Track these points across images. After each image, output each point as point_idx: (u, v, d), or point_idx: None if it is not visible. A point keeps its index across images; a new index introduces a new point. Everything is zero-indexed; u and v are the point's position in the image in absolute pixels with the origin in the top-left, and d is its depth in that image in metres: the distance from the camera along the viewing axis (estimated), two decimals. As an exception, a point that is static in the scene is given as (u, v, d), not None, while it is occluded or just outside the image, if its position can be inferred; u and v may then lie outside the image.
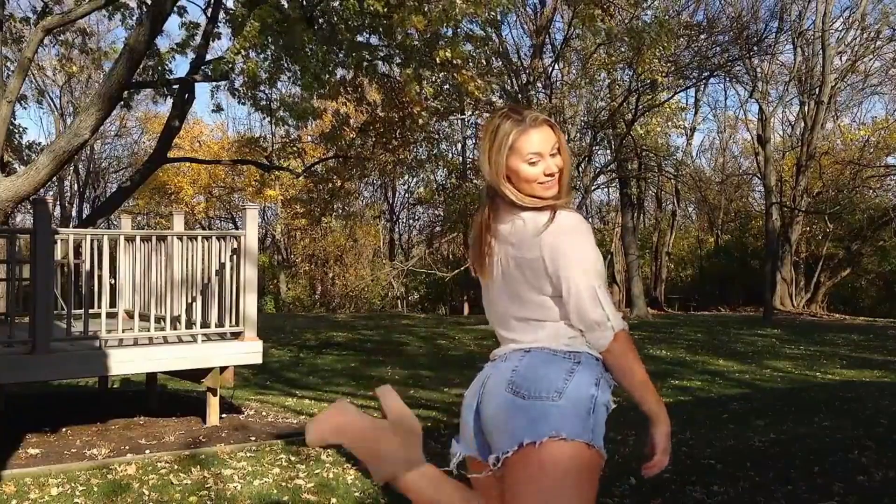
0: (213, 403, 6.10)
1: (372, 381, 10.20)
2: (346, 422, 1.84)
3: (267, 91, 10.58)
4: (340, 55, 9.28)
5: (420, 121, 11.37)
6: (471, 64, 10.27)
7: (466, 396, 1.91)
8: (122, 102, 9.65)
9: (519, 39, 23.98)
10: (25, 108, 34.31)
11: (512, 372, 1.79)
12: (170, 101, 10.12)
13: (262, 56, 9.65)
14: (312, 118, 10.79)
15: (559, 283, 1.78)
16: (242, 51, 8.30)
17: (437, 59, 8.75)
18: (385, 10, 7.98)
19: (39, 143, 12.21)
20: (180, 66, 35.45)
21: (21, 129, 11.06)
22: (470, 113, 18.25)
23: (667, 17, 16.68)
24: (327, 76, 9.97)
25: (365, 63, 9.42)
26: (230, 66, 8.72)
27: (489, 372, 1.87)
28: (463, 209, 19.25)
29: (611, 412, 1.81)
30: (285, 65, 9.57)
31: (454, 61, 8.83)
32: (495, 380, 1.82)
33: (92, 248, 6.26)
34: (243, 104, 10.46)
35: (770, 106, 24.58)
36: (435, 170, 21.13)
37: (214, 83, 10.35)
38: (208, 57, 9.81)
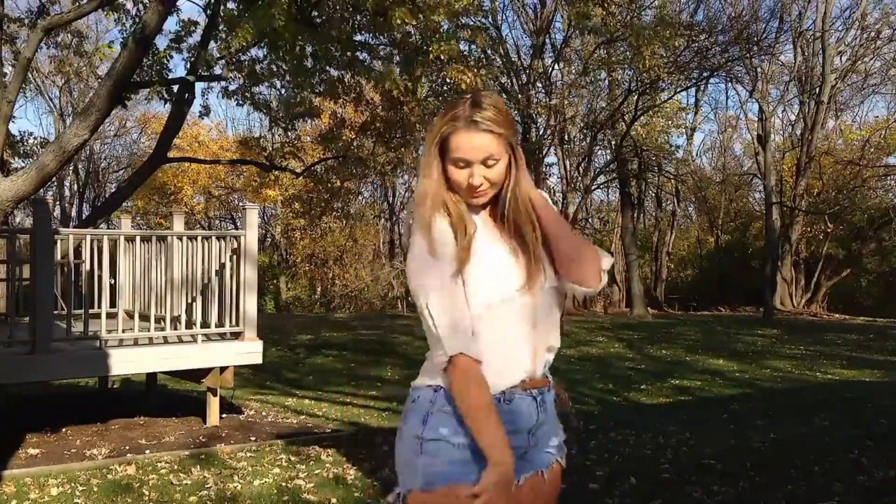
0: (213, 403, 6.10)
1: (371, 381, 10.21)
2: None
3: (266, 90, 10.59)
4: (336, 53, 9.28)
5: (412, 118, 11.32)
6: (468, 59, 10.23)
7: None
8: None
9: (519, 39, 23.98)
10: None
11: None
12: (169, 102, 10.11)
13: (258, 55, 9.67)
14: (309, 117, 10.77)
15: None
16: (234, 50, 8.32)
17: (431, 55, 8.73)
18: (375, 6, 7.97)
19: (38, 143, 12.22)
20: (180, 67, 35.45)
21: (27, 133, 11.15)
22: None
23: (666, 14, 16.69)
24: (325, 75, 9.98)
25: (363, 62, 9.41)
26: (219, 59, 8.72)
27: None
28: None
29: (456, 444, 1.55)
30: (275, 68, 9.59)
31: (443, 58, 8.78)
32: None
33: (92, 249, 6.26)
34: (241, 105, 10.47)
35: (770, 106, 24.61)
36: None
37: (207, 84, 10.35)
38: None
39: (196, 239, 6.14)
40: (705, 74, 22.34)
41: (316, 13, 8.93)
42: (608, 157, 25.91)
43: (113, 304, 6.03)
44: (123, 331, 5.71)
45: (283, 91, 10.61)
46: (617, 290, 27.11)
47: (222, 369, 6.03)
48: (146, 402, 6.89)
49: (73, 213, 28.71)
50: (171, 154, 11.20)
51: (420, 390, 1.63)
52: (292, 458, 4.92)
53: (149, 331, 5.83)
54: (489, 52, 17.74)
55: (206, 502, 4.06)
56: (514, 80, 20.77)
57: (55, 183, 25.95)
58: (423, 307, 1.55)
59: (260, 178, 23.40)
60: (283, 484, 4.33)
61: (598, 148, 24.97)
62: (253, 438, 5.64)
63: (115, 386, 8.31)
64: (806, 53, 24.52)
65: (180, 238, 6.10)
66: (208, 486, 4.31)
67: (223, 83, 10.31)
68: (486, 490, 1.49)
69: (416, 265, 1.56)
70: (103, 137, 28.53)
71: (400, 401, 8.46)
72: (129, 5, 9.72)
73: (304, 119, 11.68)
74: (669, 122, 24.83)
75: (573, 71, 22.14)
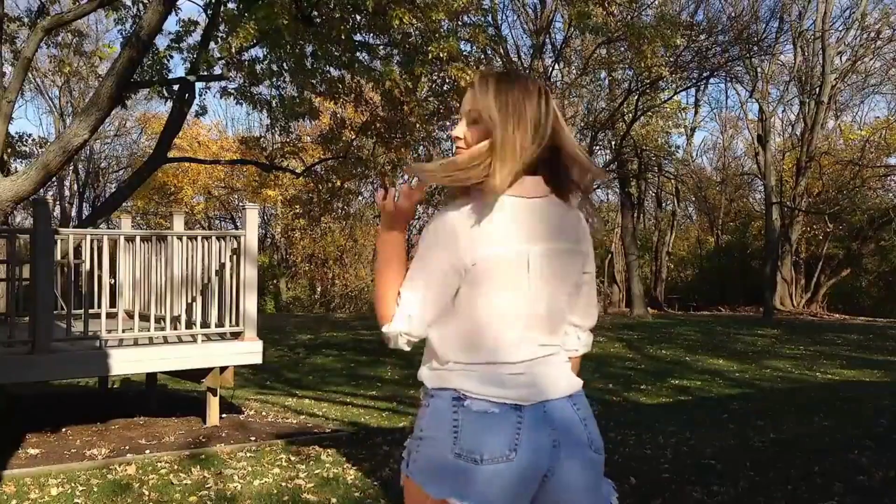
0: (213, 403, 6.10)
1: (371, 381, 10.21)
2: None
3: (266, 90, 10.59)
4: (336, 53, 9.30)
5: (413, 119, 11.32)
6: (468, 58, 10.24)
7: (524, 459, 1.46)
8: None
9: (519, 39, 23.98)
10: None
11: (584, 424, 1.58)
12: (169, 101, 10.12)
13: (258, 55, 9.69)
14: (310, 118, 10.77)
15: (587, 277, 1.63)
16: (234, 49, 8.32)
17: (430, 54, 8.73)
18: (375, 5, 7.98)
19: (37, 142, 12.23)
20: (180, 68, 35.41)
21: (26, 135, 11.17)
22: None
23: (667, 13, 16.68)
24: (325, 75, 9.99)
25: (357, 64, 9.43)
26: (220, 59, 8.73)
27: (548, 429, 1.49)
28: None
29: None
30: (275, 68, 9.60)
31: (442, 56, 8.79)
32: (572, 437, 1.53)
33: (92, 248, 6.26)
34: (240, 104, 10.51)
35: (770, 106, 24.60)
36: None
37: (205, 84, 10.35)
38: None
39: (196, 239, 6.14)
40: (705, 74, 22.34)
41: (316, 13, 8.94)
42: (608, 157, 25.90)
43: (113, 303, 6.02)
44: (123, 331, 5.71)
45: (281, 91, 10.62)
46: (617, 290, 27.12)
47: (222, 369, 6.03)
48: (146, 402, 6.89)
49: (73, 213, 28.70)
50: (171, 154, 11.22)
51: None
52: (292, 458, 4.91)
53: (149, 331, 5.83)
54: (489, 51, 17.73)
55: (206, 502, 4.06)
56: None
57: (55, 183, 25.96)
58: None
59: (260, 178, 23.41)
60: (283, 484, 4.33)
61: (598, 148, 24.97)
62: (253, 438, 5.64)
63: (115, 386, 8.31)
64: (806, 53, 24.53)
65: (180, 238, 6.09)
66: (208, 486, 4.31)
67: (222, 83, 10.33)
68: None
69: None
70: (103, 137, 28.53)
71: (400, 401, 8.46)
72: (129, 4, 9.72)
73: (303, 119, 11.70)
74: (669, 122, 24.81)
75: (573, 71, 22.13)
